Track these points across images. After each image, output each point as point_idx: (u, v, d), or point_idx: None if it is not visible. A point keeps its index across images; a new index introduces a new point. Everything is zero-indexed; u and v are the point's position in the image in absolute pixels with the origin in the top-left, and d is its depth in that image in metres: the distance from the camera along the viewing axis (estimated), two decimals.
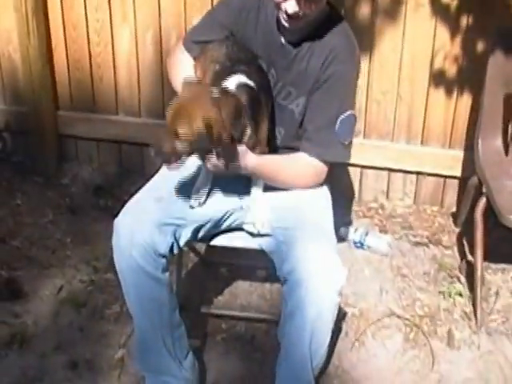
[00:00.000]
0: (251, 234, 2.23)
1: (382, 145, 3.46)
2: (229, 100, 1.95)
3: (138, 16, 3.39)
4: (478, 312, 2.80)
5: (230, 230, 2.31)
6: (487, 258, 2.91)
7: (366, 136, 3.44)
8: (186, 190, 2.19)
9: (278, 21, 2.15)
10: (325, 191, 2.34)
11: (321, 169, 2.21)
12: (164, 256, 2.09)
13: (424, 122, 3.38)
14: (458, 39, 3.15)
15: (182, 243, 2.16)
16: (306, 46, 2.17)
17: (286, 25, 2.09)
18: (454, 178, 3.47)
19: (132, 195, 2.25)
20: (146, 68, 3.50)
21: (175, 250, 2.14)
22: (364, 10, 3.17)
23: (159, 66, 3.47)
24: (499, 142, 2.98)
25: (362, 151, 3.31)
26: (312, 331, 1.99)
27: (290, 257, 2.00)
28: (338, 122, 2.14)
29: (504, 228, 2.67)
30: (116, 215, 2.16)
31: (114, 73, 3.55)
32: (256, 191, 2.21)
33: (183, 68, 2.31)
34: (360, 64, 2.23)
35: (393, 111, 3.38)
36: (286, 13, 2.03)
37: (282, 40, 2.20)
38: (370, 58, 3.26)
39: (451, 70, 3.23)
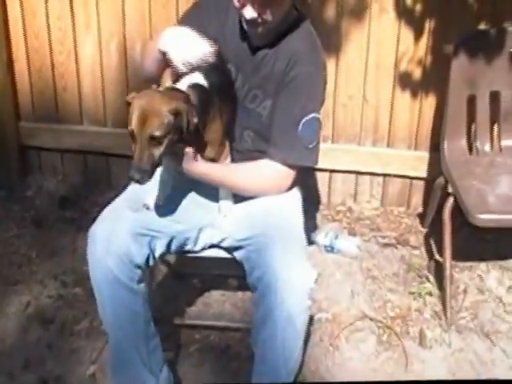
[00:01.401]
0: (227, 251, 2.24)
1: (349, 148, 3.48)
2: (178, 94, 1.96)
3: (102, 24, 3.36)
4: (448, 311, 2.84)
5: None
6: (454, 256, 2.94)
7: (335, 140, 3.46)
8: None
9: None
10: (295, 194, 2.33)
11: (286, 174, 2.19)
12: (139, 267, 2.08)
13: (390, 125, 3.41)
14: (422, 43, 3.19)
15: (157, 255, 2.14)
16: (271, 49, 2.17)
17: (248, 29, 2.12)
18: (420, 179, 3.52)
19: (99, 206, 2.23)
20: (111, 76, 3.47)
21: (151, 262, 2.13)
22: (329, 15, 3.19)
23: (124, 74, 3.44)
24: (464, 142, 3.03)
25: (330, 155, 3.33)
26: (284, 336, 1.99)
27: (259, 264, 2.00)
28: (301, 125, 2.12)
29: (470, 227, 2.71)
30: (82, 227, 2.14)
31: (78, 82, 3.51)
32: (225, 205, 2.23)
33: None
34: (325, 67, 2.23)
35: (359, 115, 3.41)
36: (245, 18, 2.05)
37: (249, 43, 2.20)
38: (336, 62, 3.28)
39: (416, 73, 3.27)
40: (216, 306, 2.95)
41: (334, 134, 3.45)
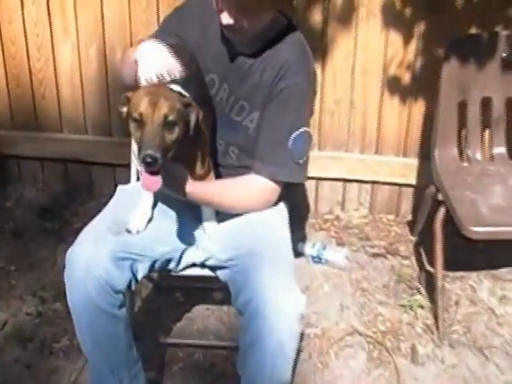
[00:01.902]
0: (211, 269, 2.15)
1: (336, 155, 3.40)
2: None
3: (80, 29, 3.26)
4: (440, 324, 2.76)
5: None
6: (445, 266, 2.83)
7: (321, 148, 3.37)
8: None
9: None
10: (280, 209, 2.23)
11: (273, 189, 2.09)
12: (121, 292, 1.97)
13: (378, 131, 3.33)
14: (411, 47, 3.11)
15: (139, 277, 2.04)
16: (259, 57, 2.06)
17: (227, 35, 2.02)
18: (409, 186, 3.44)
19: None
20: (91, 83, 3.38)
21: (133, 286, 2.03)
22: (315, 19, 3.10)
23: (104, 80, 3.34)
24: (455, 150, 2.94)
25: (317, 163, 3.24)
26: (273, 363, 1.89)
27: (245, 287, 1.90)
28: (291, 140, 2.02)
29: (461, 236, 2.61)
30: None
31: (57, 89, 3.42)
32: (209, 226, 2.14)
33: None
34: (316, 78, 2.13)
35: (346, 121, 3.33)
36: (221, 24, 1.96)
37: (235, 51, 2.09)
38: (323, 66, 3.19)
39: (404, 78, 3.19)
40: (200, 321, 2.85)
41: (320, 140, 3.37)
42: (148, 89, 1.81)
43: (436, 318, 2.81)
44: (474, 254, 3.19)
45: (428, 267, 2.99)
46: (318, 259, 3.19)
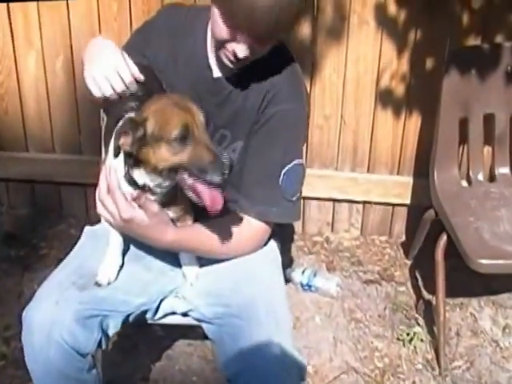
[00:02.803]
0: (197, 320, 1.87)
1: (326, 174, 3.20)
2: None
3: (45, 39, 3.04)
4: (442, 361, 2.57)
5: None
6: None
7: (309, 165, 3.15)
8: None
9: (210, 53, 1.80)
10: (271, 249, 1.98)
11: (262, 231, 1.84)
12: (89, 354, 1.71)
13: (370, 148, 3.14)
14: (406, 57, 2.92)
15: (111, 334, 1.78)
16: (242, 80, 1.79)
17: (229, 65, 1.70)
18: (403, 205, 3.25)
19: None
20: (58, 97, 3.16)
21: (103, 345, 1.76)
22: (304, 29, 2.90)
23: (72, 94, 3.13)
24: (456, 170, 2.73)
25: (305, 182, 3.00)
26: None
27: (235, 354, 1.64)
28: (282, 175, 1.77)
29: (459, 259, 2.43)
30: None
31: (21, 104, 3.19)
32: (190, 271, 1.88)
33: None
34: (308, 102, 1.87)
35: (336, 137, 3.13)
36: (233, 54, 1.64)
37: (214, 74, 1.82)
38: (311, 79, 2.99)
39: (399, 90, 2.99)
40: (182, 359, 2.60)
41: (308, 158, 3.16)
42: (160, 100, 1.54)
43: (437, 352, 2.62)
44: (471, 276, 2.91)
45: (424, 293, 2.86)
46: (307, 287, 2.97)
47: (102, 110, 2.15)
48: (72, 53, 3.03)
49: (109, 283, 1.77)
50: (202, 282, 1.85)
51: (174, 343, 2.67)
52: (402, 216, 3.30)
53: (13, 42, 3.04)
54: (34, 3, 2.95)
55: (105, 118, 2.14)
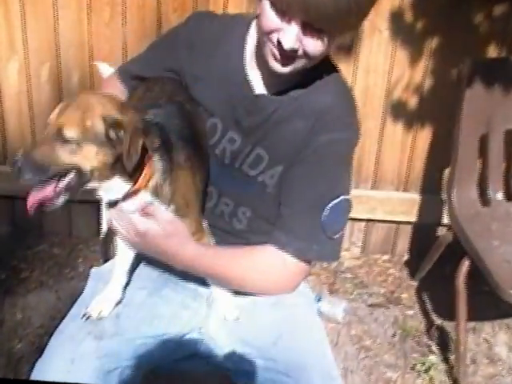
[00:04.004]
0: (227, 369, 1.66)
1: None
2: (138, 112, 1.49)
3: (31, 46, 2.82)
4: None
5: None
6: (453, 314, 2.53)
7: None
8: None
9: (249, 64, 1.61)
10: (306, 292, 1.79)
11: (299, 270, 1.65)
12: None
13: (376, 164, 3.00)
14: (420, 67, 2.79)
15: None
16: (289, 100, 1.60)
17: (275, 66, 1.49)
18: (408, 223, 3.12)
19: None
20: (42, 111, 2.91)
21: None
22: None
23: None
24: (474, 190, 2.59)
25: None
26: None
27: None
28: (327, 210, 1.58)
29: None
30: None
31: (2, 118, 2.96)
32: (226, 306, 1.67)
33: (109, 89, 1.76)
34: (360, 131, 1.68)
35: None
36: (278, 46, 1.44)
37: (256, 91, 1.62)
38: None
39: (410, 103, 2.87)
40: None
41: None
42: (83, 92, 1.55)
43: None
44: (481, 297, 2.82)
45: (437, 320, 2.75)
46: None
47: None
48: (59, 61, 2.81)
49: (99, 317, 1.60)
50: (235, 324, 1.65)
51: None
52: (406, 234, 3.18)
53: None
54: (17, 5, 2.72)
55: None
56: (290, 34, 1.40)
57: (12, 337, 2.57)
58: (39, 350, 1.57)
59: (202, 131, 1.66)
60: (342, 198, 1.60)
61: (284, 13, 1.40)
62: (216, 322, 1.67)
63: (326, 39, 1.42)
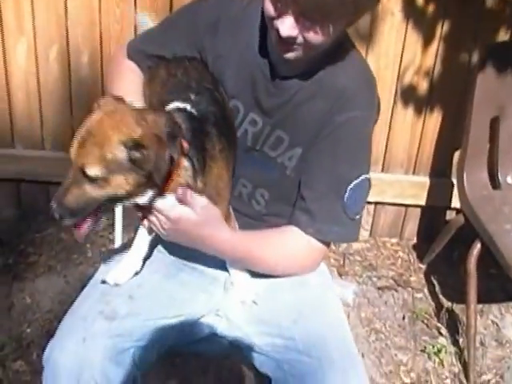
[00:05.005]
0: (245, 349, 1.66)
1: None
2: (158, 114, 1.43)
3: (38, 26, 2.76)
4: (471, 376, 2.46)
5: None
6: (461, 297, 2.59)
7: None
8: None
9: (269, 44, 1.57)
10: (325, 272, 1.80)
11: (320, 251, 1.65)
12: None
13: (386, 147, 2.98)
14: (432, 50, 2.77)
15: (145, 368, 1.57)
16: (308, 81, 1.59)
17: (278, 52, 1.50)
18: (417, 206, 3.11)
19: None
20: (50, 91, 2.88)
21: (139, 381, 1.55)
22: None
23: (67, 87, 2.86)
24: (485, 173, 2.58)
25: None
26: None
27: None
28: (348, 191, 1.58)
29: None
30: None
31: (9, 97, 2.90)
32: (244, 290, 1.66)
33: (127, 83, 1.72)
34: (379, 110, 1.68)
35: None
36: (278, 34, 1.43)
37: (278, 73, 1.60)
38: None
39: (421, 86, 2.85)
40: (196, 379, 2.38)
41: None
42: (98, 112, 1.39)
43: (466, 366, 2.50)
44: (487, 280, 2.87)
45: (446, 303, 2.78)
46: None
47: None
48: (68, 42, 2.76)
49: (115, 284, 1.61)
50: (254, 306, 1.65)
51: (186, 361, 2.46)
52: (415, 217, 3.17)
53: (1, 29, 2.75)
54: None
55: None
56: (286, 23, 1.40)
57: (21, 321, 2.56)
58: (49, 335, 1.58)
59: (233, 118, 1.64)
60: (363, 177, 1.59)
61: (277, 2, 1.40)
62: (233, 304, 1.66)
63: (324, 29, 1.40)
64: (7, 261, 2.86)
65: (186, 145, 1.43)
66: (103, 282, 1.61)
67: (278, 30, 1.42)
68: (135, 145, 1.32)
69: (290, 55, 1.48)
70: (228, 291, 1.69)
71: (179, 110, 1.50)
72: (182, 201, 1.45)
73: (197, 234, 1.51)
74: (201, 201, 1.48)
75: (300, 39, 1.42)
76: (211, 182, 1.50)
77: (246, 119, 1.64)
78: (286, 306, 1.62)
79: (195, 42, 1.64)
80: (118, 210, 1.97)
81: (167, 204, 1.45)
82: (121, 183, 1.34)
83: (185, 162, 1.44)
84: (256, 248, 1.60)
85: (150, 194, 1.41)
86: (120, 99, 1.45)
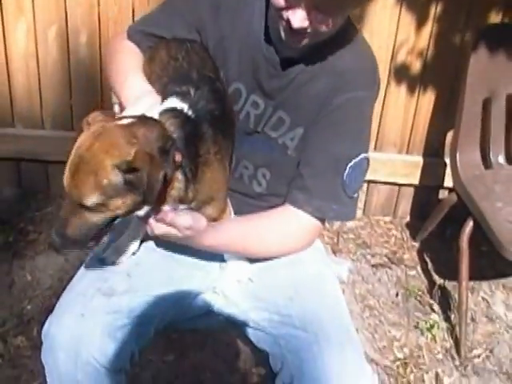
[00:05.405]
0: (241, 325, 1.70)
1: None
2: (149, 128, 1.36)
3: (38, 7, 2.77)
4: (462, 351, 2.52)
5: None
6: (452, 274, 2.66)
7: None
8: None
9: (270, 28, 1.58)
10: (320, 248, 1.84)
11: (316, 229, 1.68)
12: (122, 370, 1.54)
13: (379, 126, 3.01)
14: (425, 31, 2.79)
15: (143, 344, 1.60)
16: (310, 63, 1.60)
17: (287, 41, 1.51)
18: (410, 186, 3.16)
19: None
20: (49, 71, 2.90)
21: (136, 357, 1.58)
22: None
23: (66, 67, 2.88)
24: (478, 153, 2.63)
25: None
26: None
27: (303, 374, 1.49)
28: (348, 169, 1.60)
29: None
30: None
31: (9, 77, 2.92)
32: (238, 269, 1.71)
33: (127, 59, 1.68)
34: (379, 90, 1.70)
35: None
36: (288, 24, 1.45)
37: (276, 55, 1.61)
38: None
39: (414, 66, 2.87)
40: (193, 354, 2.44)
41: None
42: (88, 135, 1.32)
43: (457, 341, 2.57)
44: (478, 257, 2.90)
45: (438, 280, 2.83)
46: None
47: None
48: (67, 23, 2.78)
49: (113, 263, 1.65)
50: (250, 284, 1.69)
51: (184, 335, 2.52)
52: (408, 196, 3.21)
53: (1, 10, 2.76)
54: None
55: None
56: (298, 15, 1.41)
57: (22, 298, 2.60)
58: (48, 311, 1.59)
59: (232, 111, 1.63)
60: (362, 156, 1.62)
61: None
62: (230, 282, 1.71)
63: (335, 20, 1.43)
64: (7, 239, 2.89)
65: (179, 157, 1.38)
66: (101, 260, 1.63)
67: (288, 21, 1.44)
68: (128, 167, 1.27)
69: (298, 44, 1.51)
70: (224, 269, 1.73)
71: (174, 111, 1.44)
72: (163, 221, 1.43)
73: (185, 242, 1.52)
74: (184, 222, 1.43)
75: (310, 29, 1.44)
76: (204, 188, 1.47)
77: (248, 101, 1.66)
78: (282, 284, 1.66)
79: (196, 24, 1.63)
80: (116, 112, 1.94)
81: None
82: (119, 205, 1.31)
83: (178, 175, 1.40)
84: (244, 241, 1.62)
85: (146, 208, 1.38)
86: (108, 114, 1.40)
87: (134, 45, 1.72)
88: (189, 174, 1.41)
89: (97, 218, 1.32)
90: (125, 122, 1.35)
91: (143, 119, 1.38)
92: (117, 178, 1.28)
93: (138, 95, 1.50)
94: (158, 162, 1.30)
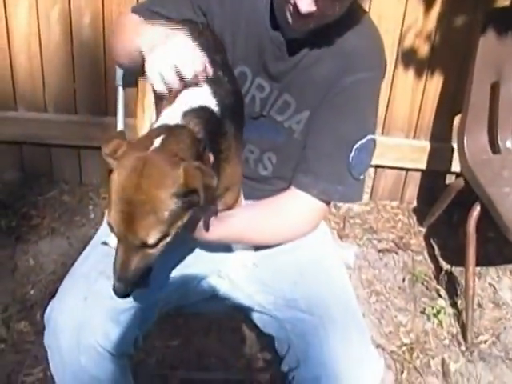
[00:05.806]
0: (247, 309, 1.68)
1: None
2: (180, 138, 1.29)
3: None
4: (469, 337, 2.50)
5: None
6: (459, 260, 2.63)
7: None
8: None
9: (276, 10, 1.55)
10: (325, 231, 1.81)
11: (322, 211, 1.65)
12: (125, 354, 1.52)
13: (387, 110, 2.97)
14: (433, 13, 2.73)
15: (146, 328, 1.58)
16: (316, 45, 1.57)
17: (293, 25, 1.49)
18: (417, 170, 3.13)
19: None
20: (52, 52, 2.84)
21: (140, 342, 1.56)
22: None
23: (69, 49, 2.82)
24: (485, 138, 2.59)
25: None
26: None
27: (309, 357, 1.48)
28: (354, 150, 1.57)
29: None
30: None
31: (11, 59, 2.86)
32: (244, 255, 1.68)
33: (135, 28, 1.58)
34: (386, 71, 1.67)
35: None
36: (295, 8, 1.43)
37: (281, 38, 1.58)
38: None
39: (422, 50, 2.83)
40: (197, 339, 2.43)
41: None
42: (128, 175, 1.21)
43: (464, 327, 2.55)
44: (485, 243, 2.88)
45: (445, 266, 2.81)
46: None
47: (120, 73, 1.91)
48: (70, 4, 2.72)
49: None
50: (255, 268, 1.67)
51: (188, 321, 2.50)
52: (415, 181, 3.17)
53: None
54: None
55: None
56: (305, 1, 1.40)
57: (25, 283, 2.58)
58: (52, 296, 1.56)
59: (242, 99, 1.58)
60: (368, 137, 1.59)
61: None
62: (235, 267, 1.68)
63: (343, 3, 1.42)
64: (10, 223, 2.86)
65: (212, 158, 1.34)
66: (104, 243, 1.59)
67: (295, 5, 1.42)
68: (185, 192, 1.21)
69: (304, 28, 1.49)
70: (229, 253, 1.70)
71: (197, 111, 1.35)
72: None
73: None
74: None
75: (316, 13, 1.42)
76: (222, 184, 1.42)
77: (253, 85, 1.63)
78: (287, 268, 1.64)
79: (202, 7, 1.59)
80: (120, 95, 1.90)
81: None
82: (179, 226, 1.25)
83: None
84: (249, 232, 1.59)
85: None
86: (121, 136, 1.29)
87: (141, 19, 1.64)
88: (216, 172, 1.35)
89: (159, 249, 1.26)
90: (156, 143, 1.25)
91: (170, 130, 1.29)
92: (176, 204, 1.21)
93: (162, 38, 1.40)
94: (207, 172, 1.23)
